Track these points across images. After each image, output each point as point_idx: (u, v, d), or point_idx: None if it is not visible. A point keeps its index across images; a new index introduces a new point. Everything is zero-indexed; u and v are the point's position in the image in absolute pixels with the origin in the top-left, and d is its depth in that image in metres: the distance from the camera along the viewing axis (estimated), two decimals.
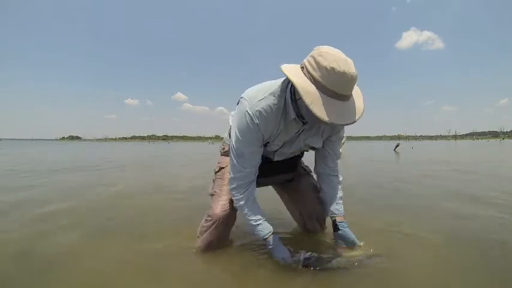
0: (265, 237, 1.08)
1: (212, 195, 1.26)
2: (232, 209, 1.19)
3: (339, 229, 1.17)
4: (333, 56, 0.82)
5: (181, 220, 1.74)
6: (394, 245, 1.31)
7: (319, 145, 1.18)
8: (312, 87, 0.82)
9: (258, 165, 1.10)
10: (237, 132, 1.02)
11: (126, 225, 1.67)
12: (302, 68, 0.88)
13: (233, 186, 1.09)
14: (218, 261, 1.16)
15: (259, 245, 1.25)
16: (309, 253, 1.06)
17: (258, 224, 1.09)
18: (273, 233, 1.10)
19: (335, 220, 1.19)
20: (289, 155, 1.21)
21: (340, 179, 1.26)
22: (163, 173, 4.71)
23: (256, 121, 0.97)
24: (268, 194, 1.59)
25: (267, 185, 1.41)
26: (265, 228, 1.09)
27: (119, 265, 1.14)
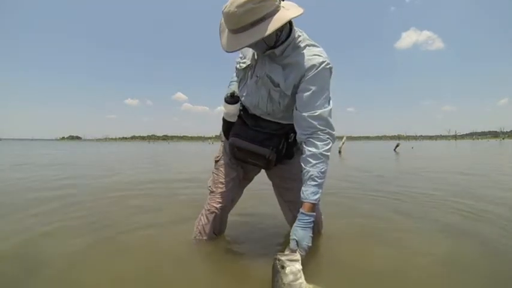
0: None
1: (210, 191, 1.34)
2: (226, 205, 1.30)
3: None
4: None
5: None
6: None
7: (281, 83, 1.08)
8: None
9: None
10: None
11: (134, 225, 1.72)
12: None
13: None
14: (216, 255, 1.22)
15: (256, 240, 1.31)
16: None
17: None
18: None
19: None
20: (256, 93, 1.16)
21: (318, 149, 1.03)
22: None
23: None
24: (268, 199, 1.64)
25: (244, 156, 1.24)
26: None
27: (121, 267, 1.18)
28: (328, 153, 1.05)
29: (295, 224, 1.02)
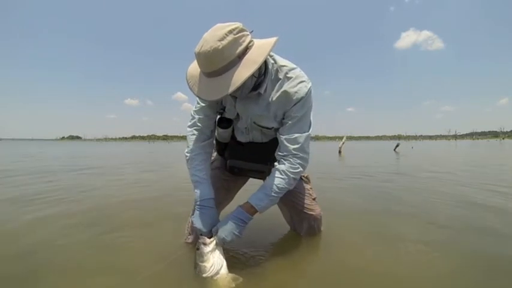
0: (196, 201, 1.11)
1: None
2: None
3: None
4: (202, 38, 0.86)
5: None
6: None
7: (271, 125, 1.10)
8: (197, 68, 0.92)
9: (208, 121, 1.17)
10: None
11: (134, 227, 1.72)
12: None
13: (189, 125, 1.20)
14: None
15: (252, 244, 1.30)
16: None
17: (197, 183, 1.12)
18: (206, 199, 1.08)
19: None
20: (247, 135, 1.19)
21: (285, 166, 1.06)
22: None
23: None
24: None
25: (245, 173, 1.32)
26: (199, 193, 1.11)
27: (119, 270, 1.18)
28: (293, 176, 1.06)
29: (228, 214, 1.04)
